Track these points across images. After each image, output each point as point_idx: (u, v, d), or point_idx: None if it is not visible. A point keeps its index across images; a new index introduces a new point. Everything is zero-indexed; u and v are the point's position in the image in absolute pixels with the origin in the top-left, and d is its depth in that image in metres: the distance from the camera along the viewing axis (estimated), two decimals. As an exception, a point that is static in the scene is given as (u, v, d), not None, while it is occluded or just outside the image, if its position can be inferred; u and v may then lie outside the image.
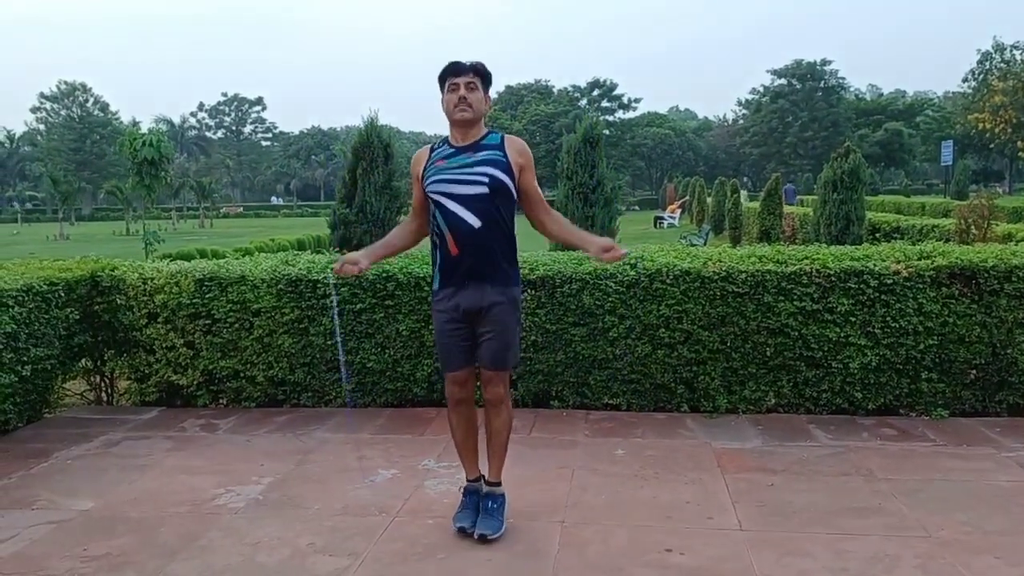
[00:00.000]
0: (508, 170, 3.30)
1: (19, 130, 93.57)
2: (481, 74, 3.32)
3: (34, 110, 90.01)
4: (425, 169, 3.38)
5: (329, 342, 5.40)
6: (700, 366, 5.17)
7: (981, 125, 55.04)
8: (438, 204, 3.31)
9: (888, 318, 4.96)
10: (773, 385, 5.16)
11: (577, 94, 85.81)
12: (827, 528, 3.50)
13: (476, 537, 3.41)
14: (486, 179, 3.26)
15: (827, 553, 3.27)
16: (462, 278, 3.32)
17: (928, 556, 3.23)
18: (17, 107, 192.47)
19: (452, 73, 3.29)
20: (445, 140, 3.42)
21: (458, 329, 3.39)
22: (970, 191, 40.28)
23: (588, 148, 8.32)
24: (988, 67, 60.34)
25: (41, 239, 37.85)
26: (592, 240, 3.36)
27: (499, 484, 3.57)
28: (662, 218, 38.22)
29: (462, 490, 3.64)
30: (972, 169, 56.10)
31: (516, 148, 3.37)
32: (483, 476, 3.60)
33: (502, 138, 3.38)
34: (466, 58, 3.35)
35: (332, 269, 3.52)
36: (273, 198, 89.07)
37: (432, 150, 3.44)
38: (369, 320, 5.37)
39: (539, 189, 3.48)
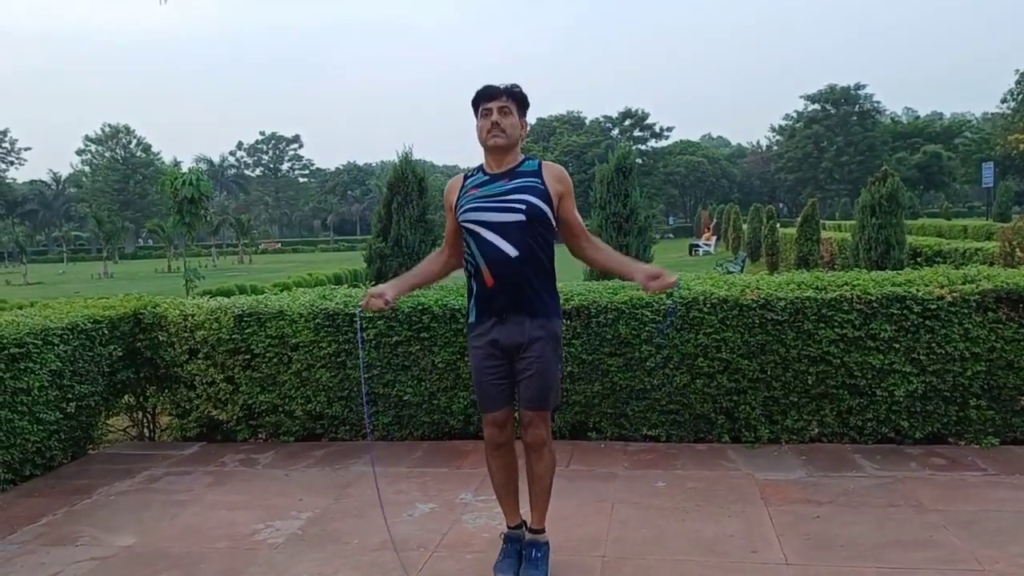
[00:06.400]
0: (546, 198, 3.13)
1: (65, 172, 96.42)
2: (516, 97, 3.16)
3: (79, 152, 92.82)
4: (459, 198, 3.23)
5: (367, 375, 5.42)
6: (740, 395, 5.09)
7: (1022, 146, 54.06)
8: (472, 233, 3.15)
9: (933, 344, 4.85)
10: (816, 414, 5.06)
11: (609, 124, 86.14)
12: (876, 562, 3.39)
13: None
14: (523, 206, 3.09)
15: (877, 588, 3.17)
16: (500, 311, 3.15)
17: (984, 591, 3.12)
18: (63, 151, 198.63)
19: (485, 97, 3.15)
20: (480, 168, 3.27)
21: (497, 367, 3.21)
22: (1013, 213, 39.51)
23: (621, 177, 8.32)
24: (1027, 87, 59.38)
25: (86, 277, 38.74)
26: (638, 268, 3.19)
27: (543, 531, 3.37)
28: (697, 246, 38.03)
29: (503, 536, 3.44)
30: (1014, 191, 54.92)
31: (554, 175, 3.20)
32: (525, 523, 3.43)
33: (540, 164, 3.22)
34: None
35: (359, 306, 3.39)
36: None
37: (466, 178, 3.27)
38: (405, 352, 5.39)
39: (579, 217, 3.30)
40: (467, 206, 3.18)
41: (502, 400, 3.26)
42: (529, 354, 3.15)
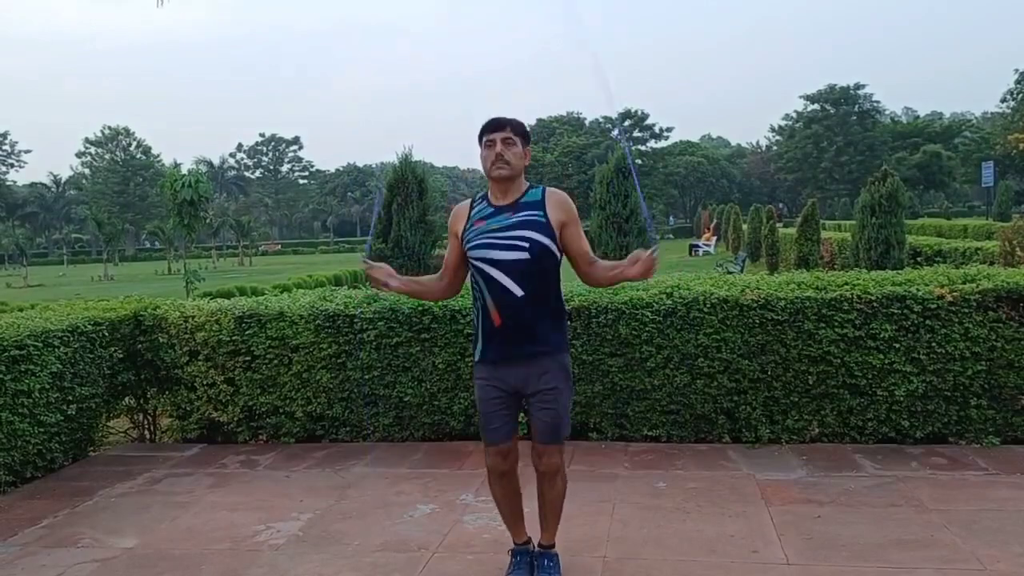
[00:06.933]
0: (548, 230, 3.13)
1: (65, 175, 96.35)
2: (519, 130, 3.21)
3: (79, 155, 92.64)
4: (465, 229, 3.23)
5: (367, 376, 5.43)
6: (741, 396, 5.09)
7: (1022, 145, 54.10)
8: (479, 270, 3.16)
9: (934, 344, 4.85)
10: (816, 414, 5.06)
11: (609, 125, 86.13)
12: (877, 562, 3.40)
13: None
14: (526, 244, 3.09)
15: (878, 587, 3.17)
16: (507, 349, 3.15)
17: (985, 590, 3.12)
18: (63, 153, 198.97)
19: (490, 129, 3.18)
20: (484, 197, 3.27)
21: (503, 397, 3.20)
22: (1013, 212, 39.51)
23: (621, 178, 8.35)
24: (1027, 86, 59.38)
25: (86, 280, 38.73)
26: (622, 266, 3.16)
27: (553, 546, 3.38)
28: (697, 246, 38.03)
29: (510, 552, 3.43)
30: (1015, 190, 54.92)
31: (556, 203, 3.19)
32: (530, 538, 3.43)
33: (543, 194, 3.22)
34: (500, 107, 3.25)
35: (361, 262, 3.31)
36: None
37: (472, 206, 3.28)
38: (406, 354, 5.39)
39: (584, 243, 3.27)
40: (474, 241, 3.18)
41: (508, 431, 3.25)
42: (542, 387, 3.15)
